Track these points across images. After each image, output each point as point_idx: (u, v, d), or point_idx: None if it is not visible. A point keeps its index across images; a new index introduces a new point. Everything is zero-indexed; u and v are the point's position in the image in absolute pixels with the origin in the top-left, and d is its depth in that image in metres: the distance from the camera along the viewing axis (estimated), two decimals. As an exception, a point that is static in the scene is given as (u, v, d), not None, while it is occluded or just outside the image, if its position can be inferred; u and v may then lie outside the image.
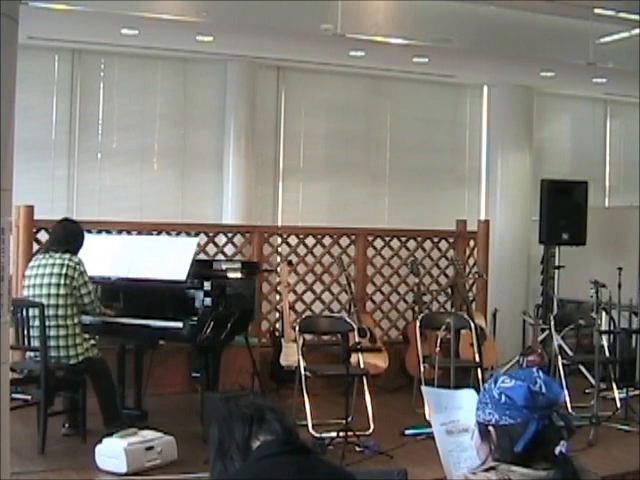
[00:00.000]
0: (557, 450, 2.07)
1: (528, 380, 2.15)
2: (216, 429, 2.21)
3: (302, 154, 9.22)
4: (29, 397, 5.33)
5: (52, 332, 5.31)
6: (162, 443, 5.06)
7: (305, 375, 5.86)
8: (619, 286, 7.34)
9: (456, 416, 3.00)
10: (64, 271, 5.40)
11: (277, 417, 2.21)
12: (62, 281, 5.38)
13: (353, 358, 5.95)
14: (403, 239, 8.23)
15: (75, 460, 5.07)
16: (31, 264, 5.64)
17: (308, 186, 9.25)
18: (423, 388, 3.60)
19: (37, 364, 5.30)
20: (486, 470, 2.13)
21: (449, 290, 8.16)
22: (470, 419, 2.47)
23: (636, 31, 8.01)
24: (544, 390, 2.14)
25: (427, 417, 6.07)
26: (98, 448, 4.96)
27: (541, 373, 2.19)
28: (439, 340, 6.54)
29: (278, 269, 7.36)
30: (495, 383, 2.19)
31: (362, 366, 6.15)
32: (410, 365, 7.28)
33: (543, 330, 8.08)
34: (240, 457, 2.15)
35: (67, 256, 5.47)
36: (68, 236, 5.61)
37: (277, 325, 7.50)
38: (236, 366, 6.42)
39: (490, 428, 2.16)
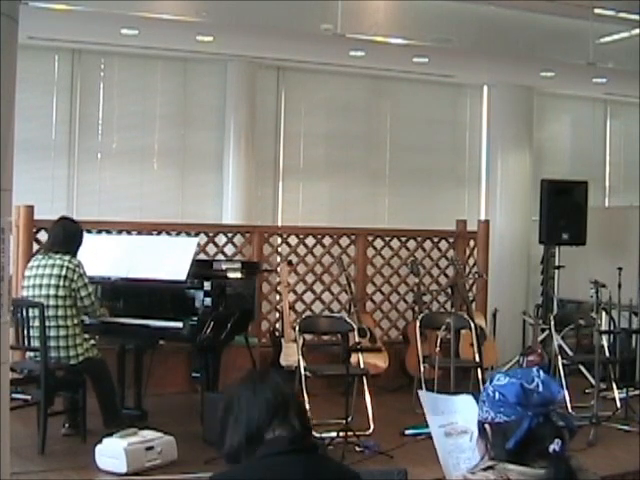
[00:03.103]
0: (551, 448, 2.07)
1: (524, 378, 2.16)
2: (235, 396, 2.17)
3: (302, 154, 9.22)
4: (29, 397, 5.32)
5: (52, 332, 5.30)
6: (162, 443, 5.05)
7: (305, 375, 5.86)
8: (619, 286, 7.34)
9: (454, 418, 3.00)
10: (63, 272, 5.39)
11: (298, 412, 2.18)
12: (61, 282, 5.37)
13: (353, 358, 5.94)
14: (403, 239, 8.23)
15: (75, 460, 5.07)
16: (30, 264, 5.62)
17: (308, 186, 9.25)
18: (420, 393, 3.59)
19: (37, 364, 5.30)
20: (484, 469, 2.13)
21: (449, 290, 8.16)
22: (468, 421, 2.47)
23: (636, 31, 8.01)
24: (540, 389, 2.14)
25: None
26: (98, 448, 4.95)
27: (541, 373, 2.19)
28: (439, 340, 6.54)
29: (278, 269, 7.36)
30: (491, 381, 2.21)
31: (362, 366, 6.15)
32: (410, 365, 7.27)
33: (543, 330, 8.08)
34: (244, 432, 2.11)
35: (67, 258, 5.46)
36: (67, 237, 5.57)
37: (277, 325, 7.49)
38: (236, 366, 6.40)
39: (486, 426, 2.18)
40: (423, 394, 3.37)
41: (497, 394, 2.16)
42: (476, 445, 2.25)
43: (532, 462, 2.09)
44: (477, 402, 2.26)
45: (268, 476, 2.08)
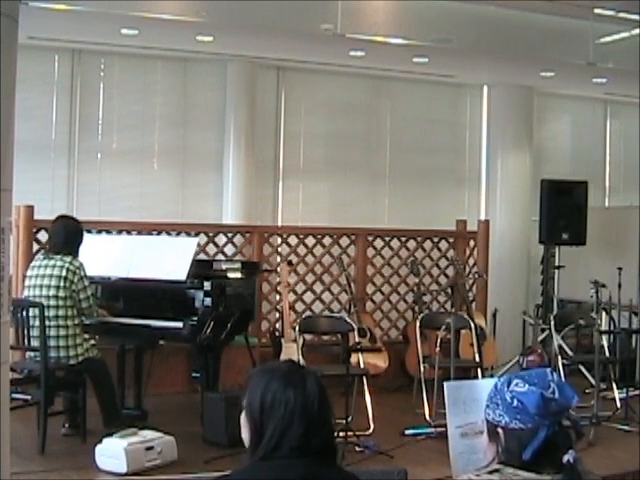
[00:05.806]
0: (565, 459, 2.05)
1: (541, 385, 2.10)
2: (269, 396, 2.14)
3: (302, 154, 9.22)
4: (29, 397, 5.32)
5: (52, 332, 5.29)
6: (162, 443, 5.05)
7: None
8: (619, 286, 7.33)
9: (473, 417, 2.99)
10: (64, 274, 5.38)
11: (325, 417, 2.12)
12: (62, 284, 5.36)
13: (353, 358, 5.94)
14: (403, 239, 8.22)
15: (75, 460, 5.07)
16: (32, 264, 5.62)
17: (308, 186, 9.25)
18: (446, 384, 3.55)
19: (37, 364, 5.30)
20: (490, 472, 2.11)
21: (449, 290, 8.16)
22: None
23: (636, 31, 8.02)
24: (557, 395, 2.10)
25: (427, 417, 6.12)
26: (98, 448, 4.95)
27: (555, 376, 2.15)
28: (439, 340, 6.53)
29: (278, 269, 7.36)
30: (508, 385, 2.13)
31: (362, 366, 6.15)
32: (410, 365, 7.27)
33: (543, 330, 8.08)
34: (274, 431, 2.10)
35: (68, 259, 5.45)
36: (68, 237, 5.55)
37: (277, 325, 7.49)
38: (236, 366, 6.41)
39: (499, 430, 2.13)
40: (447, 385, 3.34)
41: (515, 401, 2.09)
42: (486, 447, 2.21)
43: (541, 469, 2.07)
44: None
45: (272, 476, 2.06)
